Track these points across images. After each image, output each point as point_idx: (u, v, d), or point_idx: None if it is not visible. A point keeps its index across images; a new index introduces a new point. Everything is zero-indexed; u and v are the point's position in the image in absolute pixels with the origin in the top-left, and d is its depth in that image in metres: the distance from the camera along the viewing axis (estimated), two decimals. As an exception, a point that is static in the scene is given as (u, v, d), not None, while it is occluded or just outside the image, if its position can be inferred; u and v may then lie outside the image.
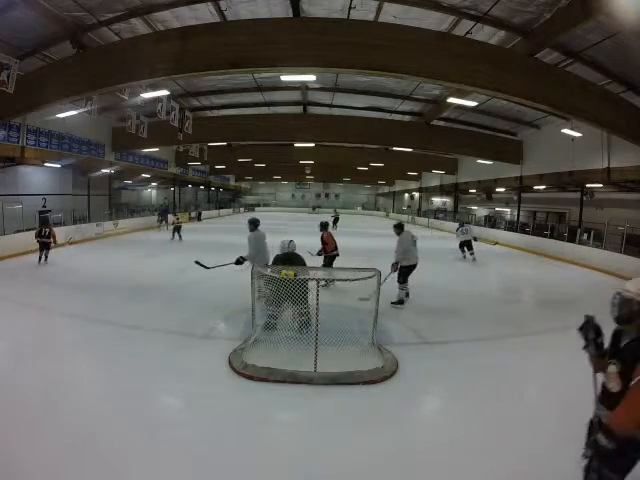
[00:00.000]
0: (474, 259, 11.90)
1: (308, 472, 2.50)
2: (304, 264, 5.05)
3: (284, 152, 20.97)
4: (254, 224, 5.98)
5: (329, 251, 7.62)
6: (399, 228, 6.53)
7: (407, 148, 17.20)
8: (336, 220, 21.97)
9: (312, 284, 4.11)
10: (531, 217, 19.57)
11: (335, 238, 7.87)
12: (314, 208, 43.55)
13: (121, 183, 22.96)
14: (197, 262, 6.07)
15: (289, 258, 5.04)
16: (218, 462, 2.55)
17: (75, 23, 8.36)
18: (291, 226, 21.67)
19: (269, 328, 4.54)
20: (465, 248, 12.16)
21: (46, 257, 9.20)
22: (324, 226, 7.82)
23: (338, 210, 25.51)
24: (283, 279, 4.00)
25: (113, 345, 4.45)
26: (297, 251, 5.36)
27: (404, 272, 6.36)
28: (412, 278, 6.52)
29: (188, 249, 12.60)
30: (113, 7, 8.01)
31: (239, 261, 5.78)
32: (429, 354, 4.51)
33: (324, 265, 7.51)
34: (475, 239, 12.47)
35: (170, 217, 15.56)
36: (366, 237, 18.23)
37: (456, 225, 13.58)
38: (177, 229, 14.62)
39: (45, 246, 9.20)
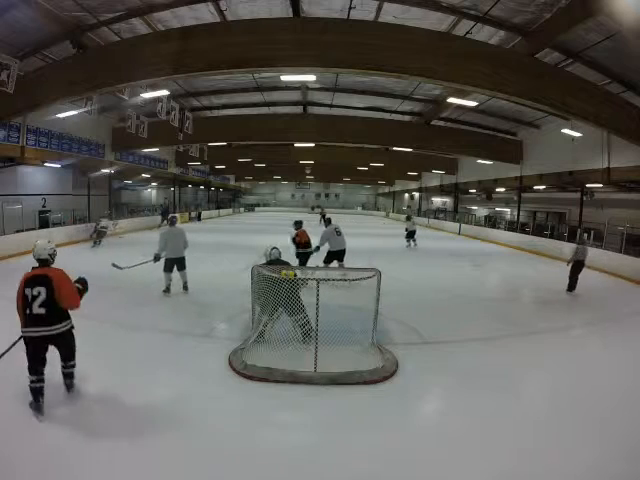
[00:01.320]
0: (415, 245, 14.76)
1: (308, 472, 2.50)
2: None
3: (284, 152, 20.96)
4: (171, 222, 7.15)
5: (300, 246, 7.82)
6: (327, 222, 8.39)
7: (407, 148, 17.19)
8: (323, 216, 25.34)
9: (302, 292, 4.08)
10: (531, 217, 19.58)
11: (309, 236, 8.08)
12: (313, 208, 43.52)
13: (121, 183, 22.95)
14: (113, 264, 5.99)
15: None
16: (218, 462, 2.55)
17: (75, 23, 8.36)
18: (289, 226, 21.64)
19: (261, 336, 4.34)
20: (411, 237, 14.88)
21: (100, 242, 12.80)
22: (298, 224, 8.07)
23: (326, 209, 28.98)
24: (282, 279, 3.99)
25: (112, 345, 4.45)
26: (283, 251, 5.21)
27: (330, 256, 7.88)
28: (413, 278, 6.51)
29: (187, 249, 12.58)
30: (113, 7, 8.01)
31: (156, 258, 6.48)
32: (429, 354, 4.51)
33: (300, 263, 7.58)
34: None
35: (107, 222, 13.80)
36: (365, 237, 18.22)
37: (456, 225, 14.08)
38: (100, 234, 13.11)
39: (101, 235, 12.91)
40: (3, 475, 2.35)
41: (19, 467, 2.41)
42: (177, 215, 24.06)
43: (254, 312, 4.41)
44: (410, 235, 14.83)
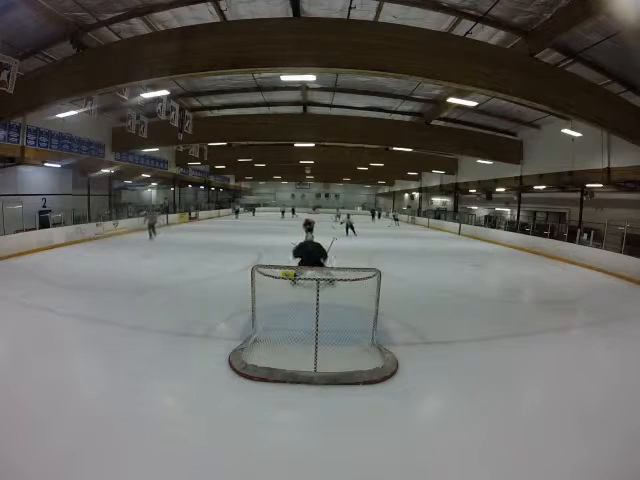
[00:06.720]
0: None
1: (308, 472, 2.50)
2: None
3: (284, 152, 20.98)
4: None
5: None
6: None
7: (407, 148, 17.21)
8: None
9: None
10: (531, 217, 19.57)
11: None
12: (314, 208, 43.58)
13: (121, 183, 22.96)
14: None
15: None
16: (218, 462, 2.55)
17: (75, 23, 8.37)
18: (290, 226, 21.68)
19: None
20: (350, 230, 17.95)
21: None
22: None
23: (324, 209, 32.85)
24: (283, 278, 4.02)
25: (113, 345, 4.45)
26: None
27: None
28: (413, 278, 6.51)
29: (187, 250, 12.62)
30: (113, 7, 8.01)
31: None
32: (429, 354, 4.51)
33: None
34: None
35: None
36: (366, 238, 18.23)
37: (456, 225, 13.95)
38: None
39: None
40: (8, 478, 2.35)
41: (23, 471, 2.41)
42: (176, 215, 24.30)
43: (254, 312, 4.41)
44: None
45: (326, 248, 7.34)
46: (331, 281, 5.36)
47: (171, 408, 3.32)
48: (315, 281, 3.93)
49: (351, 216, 20.67)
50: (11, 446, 2.59)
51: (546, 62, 8.53)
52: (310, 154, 20.95)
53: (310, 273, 6.50)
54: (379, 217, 34.60)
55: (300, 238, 9.18)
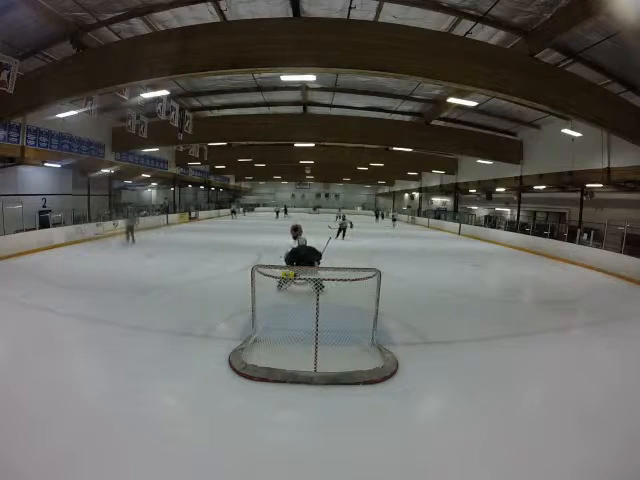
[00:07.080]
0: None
1: (308, 472, 2.50)
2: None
3: (284, 152, 20.99)
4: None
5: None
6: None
7: (407, 148, 17.22)
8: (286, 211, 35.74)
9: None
10: (531, 217, 19.58)
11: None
12: (315, 208, 43.62)
13: (121, 183, 22.95)
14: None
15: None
16: (218, 462, 2.55)
17: (75, 23, 8.37)
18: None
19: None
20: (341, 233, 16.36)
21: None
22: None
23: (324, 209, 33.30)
24: (283, 278, 4.03)
25: (113, 345, 4.45)
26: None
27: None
28: (413, 278, 6.50)
29: (187, 250, 12.62)
30: (113, 7, 8.02)
31: None
32: (429, 354, 4.51)
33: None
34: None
35: None
36: (366, 238, 18.22)
37: (456, 225, 13.93)
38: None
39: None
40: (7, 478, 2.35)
41: (23, 471, 2.41)
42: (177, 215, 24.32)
43: (254, 312, 4.41)
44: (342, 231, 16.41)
45: (322, 248, 7.20)
46: (320, 286, 4.39)
47: (171, 408, 3.32)
48: (303, 287, 3.90)
49: (347, 217, 18.75)
50: (11, 446, 2.58)
51: (546, 62, 8.53)
52: (310, 154, 20.95)
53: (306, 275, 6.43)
54: (383, 217, 34.09)
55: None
